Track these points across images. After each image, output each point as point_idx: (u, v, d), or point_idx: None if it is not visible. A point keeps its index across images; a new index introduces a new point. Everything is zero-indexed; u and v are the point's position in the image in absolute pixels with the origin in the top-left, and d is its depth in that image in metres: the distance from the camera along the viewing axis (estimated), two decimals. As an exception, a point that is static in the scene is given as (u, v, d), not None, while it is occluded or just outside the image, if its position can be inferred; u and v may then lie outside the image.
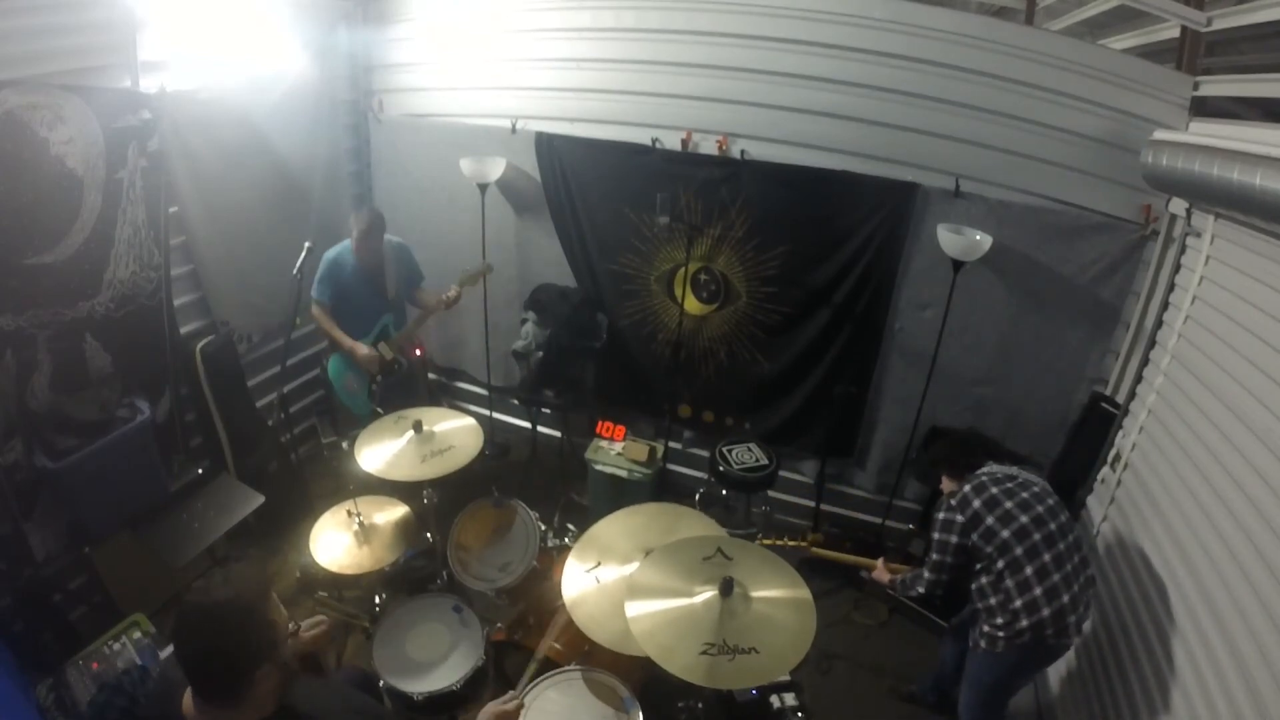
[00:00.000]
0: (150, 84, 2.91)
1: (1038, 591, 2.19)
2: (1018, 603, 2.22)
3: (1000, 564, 2.25)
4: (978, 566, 2.35)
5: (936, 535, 2.38)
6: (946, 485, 2.52)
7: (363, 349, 3.39)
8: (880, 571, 2.69)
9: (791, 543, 2.79)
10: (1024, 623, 2.21)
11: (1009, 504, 2.27)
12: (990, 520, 2.27)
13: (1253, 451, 2.06)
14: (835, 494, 3.92)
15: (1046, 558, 2.21)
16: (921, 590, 2.45)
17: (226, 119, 3.32)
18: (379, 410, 3.38)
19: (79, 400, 2.80)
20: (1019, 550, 2.22)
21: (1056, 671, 2.98)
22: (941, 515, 2.38)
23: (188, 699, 1.26)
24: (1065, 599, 2.20)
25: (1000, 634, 2.27)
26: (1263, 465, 2.00)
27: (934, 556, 2.39)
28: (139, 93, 2.86)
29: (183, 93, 3.05)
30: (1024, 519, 2.24)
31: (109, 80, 2.77)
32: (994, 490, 2.31)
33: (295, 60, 3.57)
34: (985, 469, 2.41)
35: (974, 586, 2.37)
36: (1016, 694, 2.53)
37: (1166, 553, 2.39)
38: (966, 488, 2.36)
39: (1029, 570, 2.21)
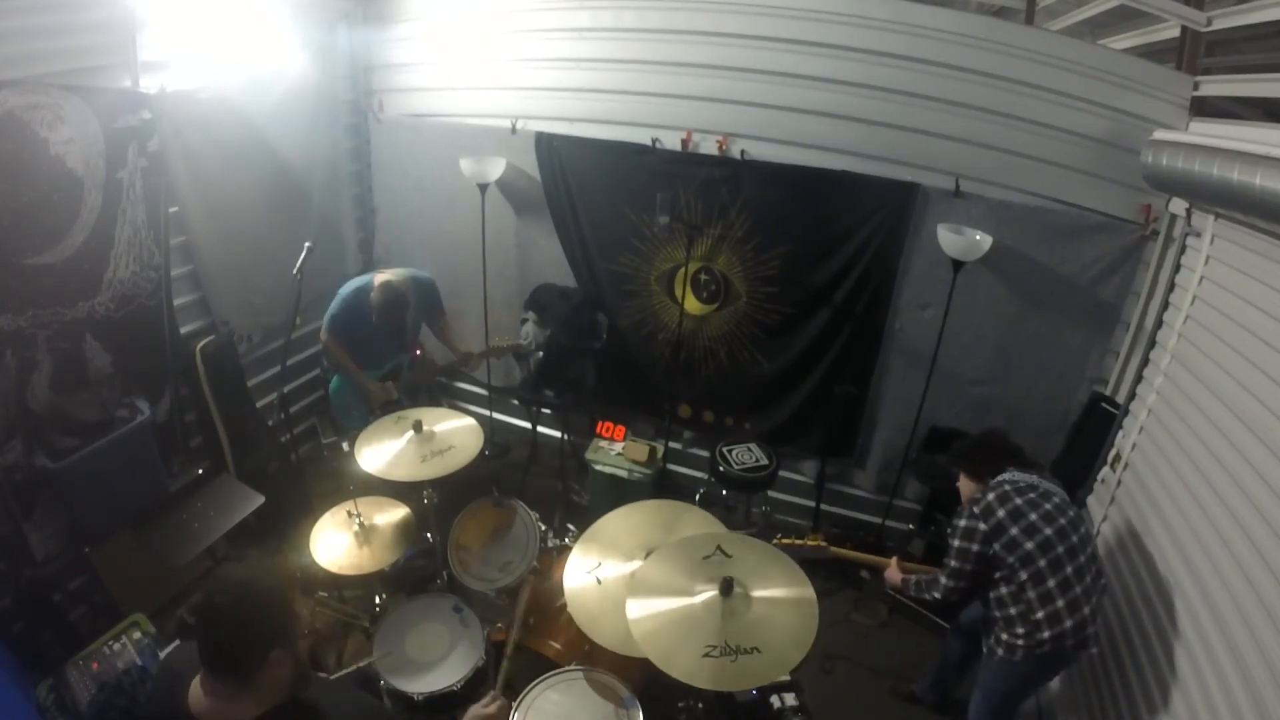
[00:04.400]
0: (150, 84, 2.90)
1: (1060, 604, 2.17)
2: (1040, 614, 2.18)
3: (1023, 575, 2.20)
4: (997, 575, 2.28)
5: (957, 542, 2.31)
6: (966, 488, 2.46)
7: (375, 387, 3.41)
8: (893, 571, 2.62)
9: (811, 543, 2.72)
10: (1046, 634, 2.17)
11: (1033, 515, 2.22)
12: (1015, 531, 2.21)
13: (1253, 451, 2.06)
14: (835, 494, 3.92)
15: (1069, 570, 2.18)
16: (937, 596, 2.39)
17: (226, 119, 3.32)
18: None
19: (79, 400, 2.79)
20: (1043, 562, 2.18)
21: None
22: (963, 523, 2.31)
23: (195, 692, 1.26)
24: (1086, 610, 2.17)
25: (1020, 643, 2.23)
26: (1263, 465, 2.00)
27: (953, 564, 2.32)
28: (139, 93, 2.85)
29: (183, 93, 3.05)
30: (1048, 531, 2.19)
31: (109, 80, 2.77)
32: (1018, 500, 2.25)
33: (295, 60, 3.57)
34: (1007, 475, 2.34)
35: (992, 596, 2.32)
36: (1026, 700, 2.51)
37: (1166, 553, 2.40)
38: (990, 496, 2.29)
39: (1052, 582, 2.17)
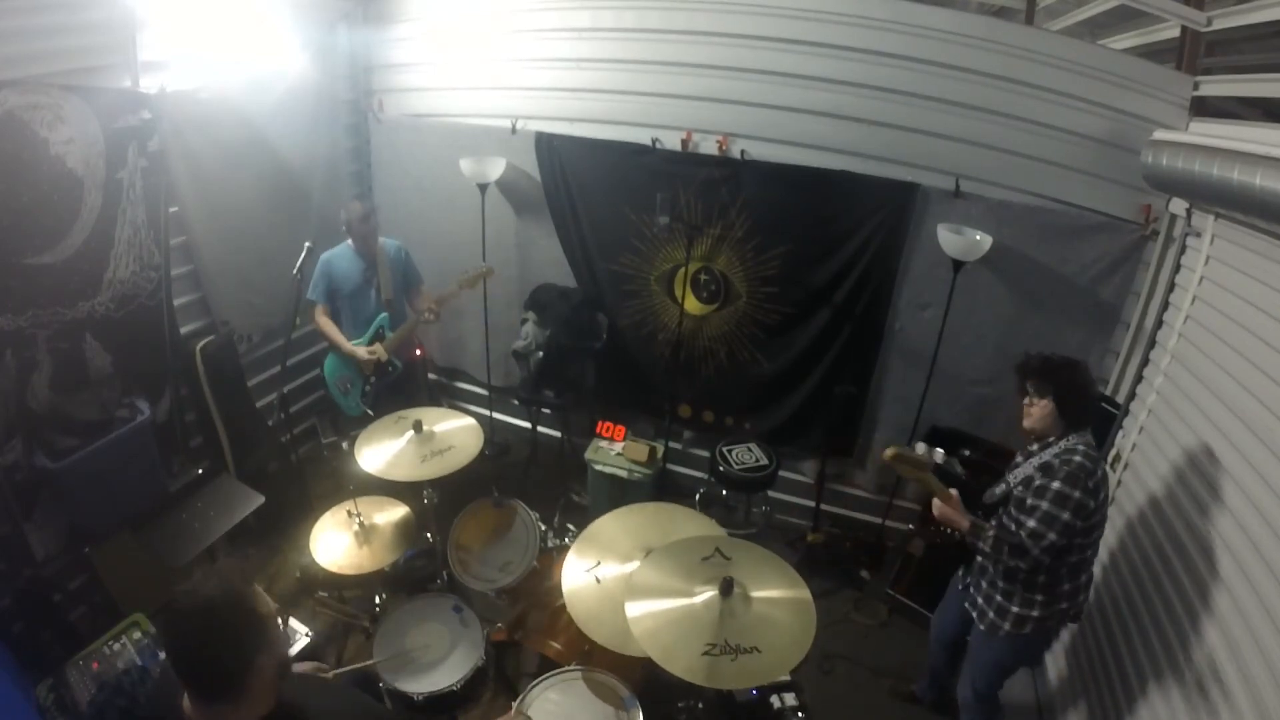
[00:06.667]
0: (150, 84, 2.90)
1: (1083, 578, 2.19)
2: (1066, 586, 2.17)
3: (1073, 555, 2.13)
4: None
5: (1066, 517, 2.00)
6: (1044, 423, 2.13)
7: (363, 352, 3.40)
8: (954, 511, 2.17)
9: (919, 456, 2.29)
10: (1063, 605, 2.18)
11: (1103, 493, 2.10)
12: (1100, 514, 2.10)
13: (1253, 451, 2.06)
14: (835, 494, 3.92)
15: (1097, 537, 2.17)
16: (1022, 566, 2.09)
17: (226, 119, 3.32)
18: (369, 412, 3.39)
19: (79, 400, 2.79)
20: (1096, 534, 2.14)
21: (1056, 667, 3.00)
22: (1078, 495, 2.00)
23: (188, 699, 1.26)
24: (1088, 580, 2.22)
25: (1034, 613, 2.20)
26: (1263, 465, 2.00)
27: (1052, 537, 2.01)
28: (139, 93, 2.85)
29: (183, 93, 3.05)
30: (1108, 508, 2.14)
31: (109, 80, 2.77)
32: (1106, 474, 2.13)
33: (295, 60, 3.57)
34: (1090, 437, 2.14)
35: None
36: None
37: (1166, 553, 2.39)
38: (1105, 469, 2.10)
39: (1090, 553, 2.16)
